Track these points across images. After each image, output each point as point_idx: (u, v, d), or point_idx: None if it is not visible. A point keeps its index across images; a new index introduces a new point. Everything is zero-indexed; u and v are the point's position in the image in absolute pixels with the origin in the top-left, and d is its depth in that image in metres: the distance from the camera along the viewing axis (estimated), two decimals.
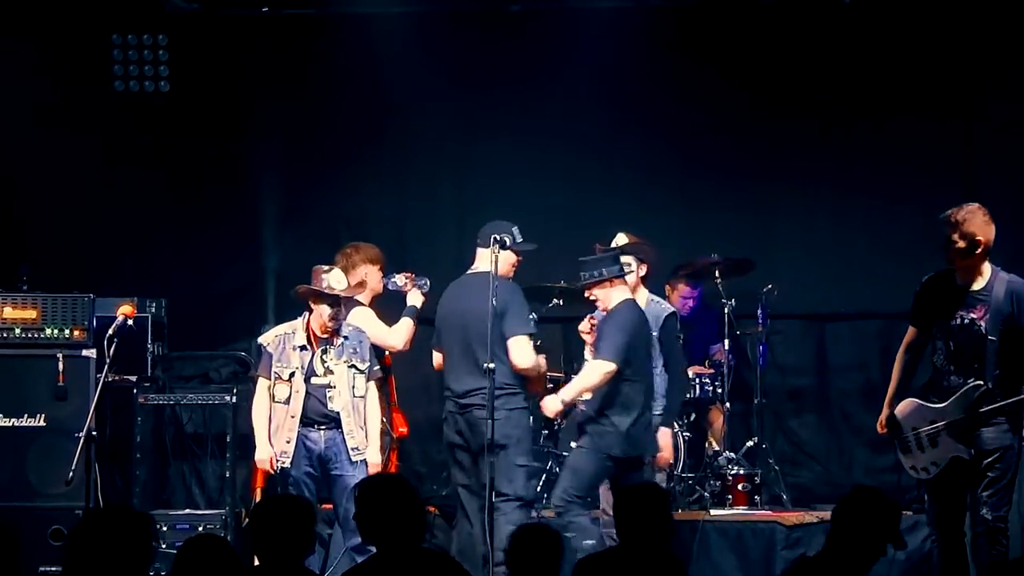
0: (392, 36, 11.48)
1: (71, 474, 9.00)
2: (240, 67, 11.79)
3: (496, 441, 8.57)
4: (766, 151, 11.56)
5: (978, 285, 7.89)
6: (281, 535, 5.78)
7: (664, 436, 9.11)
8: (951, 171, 11.52)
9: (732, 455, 10.58)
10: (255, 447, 8.94)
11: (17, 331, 9.98)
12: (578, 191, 11.52)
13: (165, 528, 10.00)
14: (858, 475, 11.49)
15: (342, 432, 8.81)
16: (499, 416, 8.59)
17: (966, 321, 7.84)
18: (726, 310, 10.67)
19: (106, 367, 9.17)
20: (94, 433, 9.24)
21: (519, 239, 8.97)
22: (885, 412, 8.18)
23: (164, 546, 9.67)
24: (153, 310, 10.64)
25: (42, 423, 9.88)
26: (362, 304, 9.50)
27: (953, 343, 7.88)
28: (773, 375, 11.41)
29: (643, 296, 9.23)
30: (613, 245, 9.28)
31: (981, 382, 7.79)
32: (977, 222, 7.89)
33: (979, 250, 7.86)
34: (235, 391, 10.42)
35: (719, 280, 10.76)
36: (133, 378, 10.43)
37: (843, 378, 11.70)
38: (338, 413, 8.80)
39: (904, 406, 8.12)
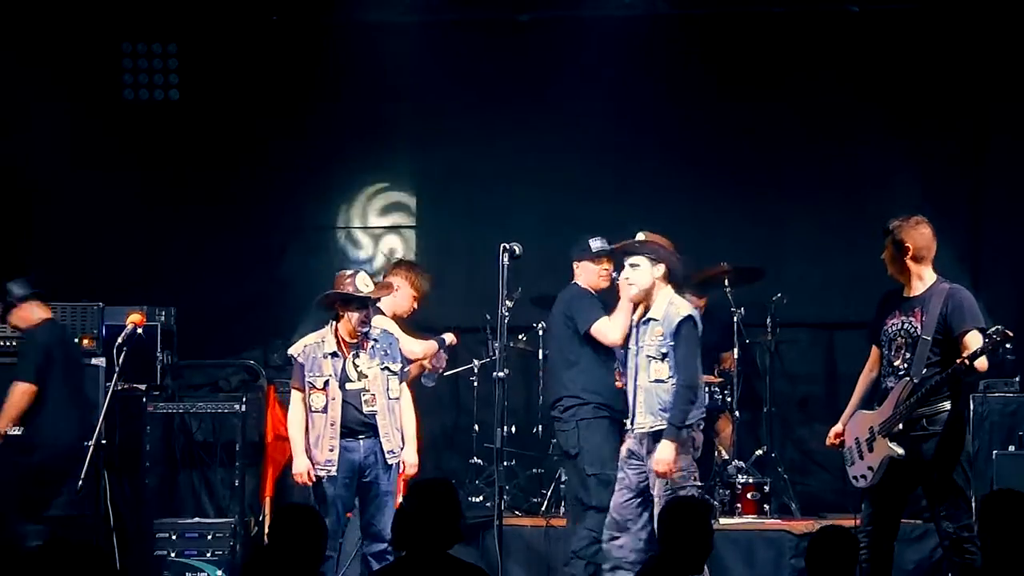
0: (401, 45, 11.51)
1: (80, 482, 9.02)
2: (249, 75, 11.80)
3: (568, 450, 9.12)
4: (776, 160, 11.56)
5: (916, 291, 8.01)
6: (297, 546, 5.79)
7: (660, 449, 8.37)
8: (960, 181, 11.54)
9: (741, 464, 10.57)
10: (290, 458, 8.91)
11: None
12: (587, 199, 11.51)
13: (174, 537, 10.02)
14: None
15: (379, 439, 8.77)
16: (568, 427, 9.10)
17: (904, 325, 7.95)
18: (735, 319, 10.66)
19: (115, 376, 9.19)
20: (103, 441, 9.26)
21: (595, 248, 9.24)
22: (837, 426, 8.30)
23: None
24: (162, 319, 10.65)
25: None
26: (383, 315, 9.54)
27: (892, 347, 7.98)
28: (782, 384, 11.40)
29: (663, 297, 8.59)
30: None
31: (908, 378, 7.85)
32: (907, 230, 8.01)
33: (908, 256, 7.99)
34: (244, 400, 10.43)
35: (728, 288, 10.75)
36: (142, 387, 10.43)
37: (852, 387, 11.63)
38: (375, 417, 8.76)
39: (852, 419, 8.22)
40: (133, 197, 11.62)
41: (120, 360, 9.14)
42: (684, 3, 11.59)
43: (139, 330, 9.36)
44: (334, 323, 8.84)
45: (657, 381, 8.47)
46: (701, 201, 11.59)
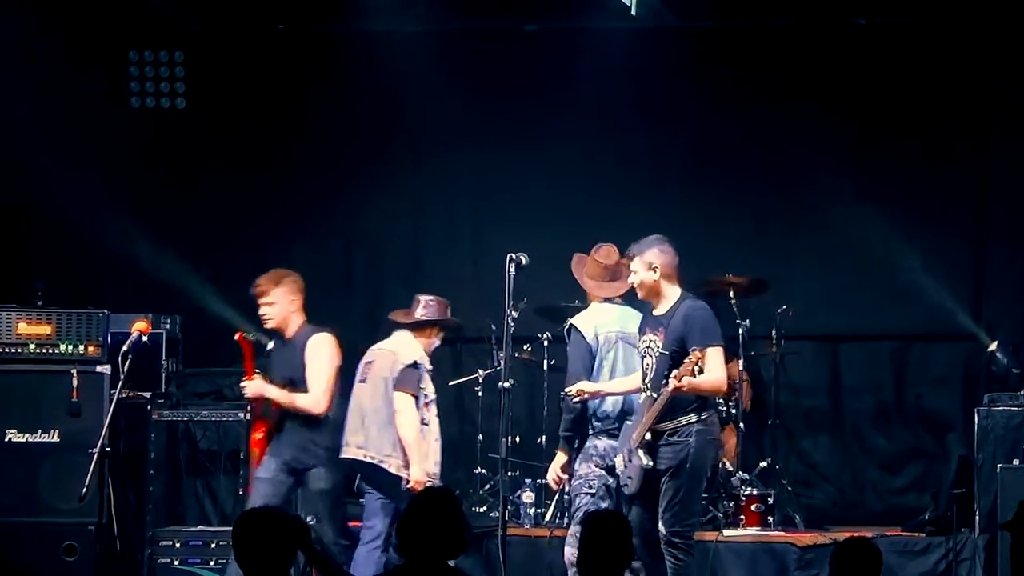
0: (407, 54, 11.51)
1: (84, 490, 9.05)
2: (256, 84, 11.82)
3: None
4: (781, 172, 11.54)
5: (663, 310, 8.36)
6: (264, 550, 5.69)
7: (555, 461, 8.83)
8: (965, 192, 11.53)
9: (745, 476, 10.55)
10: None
11: (32, 347, 9.99)
12: (592, 209, 11.50)
13: (178, 545, 10.02)
14: (871, 497, 11.49)
15: None
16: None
17: (651, 343, 8.33)
18: (740, 330, 10.64)
19: (120, 383, 9.21)
20: (108, 449, 9.29)
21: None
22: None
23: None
24: (168, 326, 10.67)
25: (56, 439, 9.88)
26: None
27: (644, 363, 8.37)
28: (787, 396, 11.39)
29: (591, 310, 8.86)
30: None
31: (649, 393, 8.22)
32: (652, 250, 8.39)
33: (657, 275, 8.33)
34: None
35: (734, 300, 10.74)
36: (147, 394, 10.44)
37: (857, 399, 11.69)
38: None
39: (623, 429, 8.52)
40: (139, 204, 11.62)
41: (125, 368, 9.18)
42: (691, 15, 11.57)
43: (144, 338, 9.39)
44: (416, 339, 9.18)
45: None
46: (707, 212, 11.58)
